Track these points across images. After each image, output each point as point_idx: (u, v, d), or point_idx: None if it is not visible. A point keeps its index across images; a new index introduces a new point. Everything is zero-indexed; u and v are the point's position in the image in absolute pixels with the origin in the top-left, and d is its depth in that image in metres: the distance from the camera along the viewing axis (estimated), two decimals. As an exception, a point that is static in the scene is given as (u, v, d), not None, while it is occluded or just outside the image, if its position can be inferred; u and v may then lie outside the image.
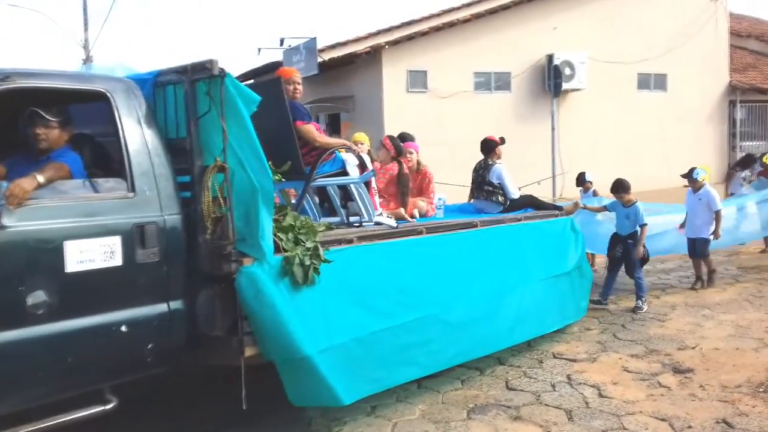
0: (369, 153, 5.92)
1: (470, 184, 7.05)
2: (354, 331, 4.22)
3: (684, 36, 17.15)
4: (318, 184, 5.03)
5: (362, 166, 5.14)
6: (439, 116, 14.82)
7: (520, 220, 6.18)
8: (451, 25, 15.16)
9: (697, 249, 7.87)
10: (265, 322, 3.73)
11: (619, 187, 7.41)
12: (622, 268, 7.51)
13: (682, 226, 8.10)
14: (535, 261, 6.07)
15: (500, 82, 15.87)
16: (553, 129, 14.61)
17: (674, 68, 17.34)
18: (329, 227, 4.68)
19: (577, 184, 9.38)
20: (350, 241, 4.43)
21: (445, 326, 4.87)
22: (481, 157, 6.99)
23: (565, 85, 15.43)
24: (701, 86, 17.82)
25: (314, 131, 4.94)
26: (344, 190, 5.07)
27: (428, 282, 4.84)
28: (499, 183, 6.71)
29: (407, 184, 6.00)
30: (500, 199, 6.69)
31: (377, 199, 5.36)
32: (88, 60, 23.59)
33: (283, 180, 4.37)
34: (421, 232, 5.02)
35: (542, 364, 5.56)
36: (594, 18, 16.42)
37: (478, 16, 15.37)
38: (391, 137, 6.13)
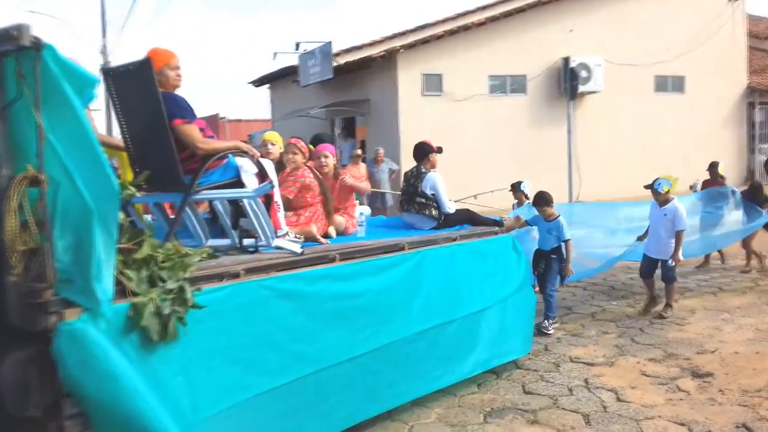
0: (284, 158, 4.90)
1: (400, 194, 6.09)
2: (233, 395, 3.18)
3: (701, 38, 16.95)
4: (201, 197, 3.95)
5: (262, 175, 4.11)
6: (453, 119, 14.65)
7: (455, 239, 5.25)
8: (466, 28, 15.03)
9: (663, 273, 7.05)
10: (100, 400, 2.64)
11: (540, 200, 6.66)
12: None
13: (642, 238, 7.28)
14: (470, 289, 5.16)
15: (515, 85, 15.69)
16: (569, 132, 14.09)
17: (692, 70, 17.10)
18: (212, 255, 3.62)
19: (514, 195, 8.52)
20: (236, 276, 3.38)
21: (351, 380, 3.92)
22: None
23: (581, 88, 15.11)
24: (719, 88, 17.59)
25: (195, 133, 3.86)
26: (237, 205, 4.02)
27: (335, 325, 3.86)
28: (433, 194, 5.77)
29: (328, 195, 4.99)
30: (434, 213, 5.75)
31: (282, 216, 4.32)
32: (106, 65, 23.34)
33: (137, 194, 3.26)
34: (333, 260, 4.01)
35: (559, 368, 5.47)
36: (610, 20, 16.18)
37: (492, 19, 15.21)
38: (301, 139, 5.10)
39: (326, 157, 5.38)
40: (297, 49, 17.44)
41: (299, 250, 3.87)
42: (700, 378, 5.07)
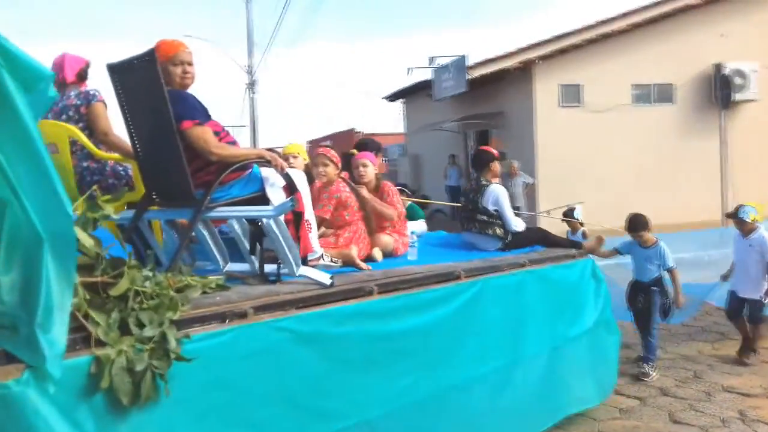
0: (309, 169, 4.27)
1: (460, 210, 5.36)
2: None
3: None
4: (215, 215, 3.34)
5: (291, 188, 3.47)
6: (593, 131, 14.10)
7: (523, 264, 4.46)
8: (607, 36, 14.48)
9: (750, 312, 6.02)
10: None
11: (637, 224, 5.74)
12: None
13: (726, 277, 6.27)
14: (540, 324, 4.37)
15: (661, 94, 14.91)
16: (721, 144, 13.05)
17: None
18: (221, 286, 2.99)
19: (568, 224, 7.60)
20: (243, 315, 2.73)
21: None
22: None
23: (735, 96, 14.10)
24: None
25: (209, 136, 3.25)
26: (258, 224, 3.39)
27: (370, 373, 3.16)
28: (496, 210, 5.01)
29: (369, 210, 4.32)
30: (499, 231, 4.98)
31: (315, 236, 3.67)
32: (251, 84, 27.17)
33: (114, 215, 2.64)
34: (370, 293, 3.30)
35: (711, 397, 5.12)
36: (766, 23, 14.99)
37: (636, 26, 14.56)
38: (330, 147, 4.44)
39: (365, 166, 4.71)
40: (431, 63, 17.65)
41: (328, 281, 3.18)
42: None
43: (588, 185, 13.34)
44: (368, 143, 5.61)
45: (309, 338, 2.91)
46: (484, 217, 5.01)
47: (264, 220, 3.18)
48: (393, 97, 21.82)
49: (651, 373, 5.55)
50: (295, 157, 4.56)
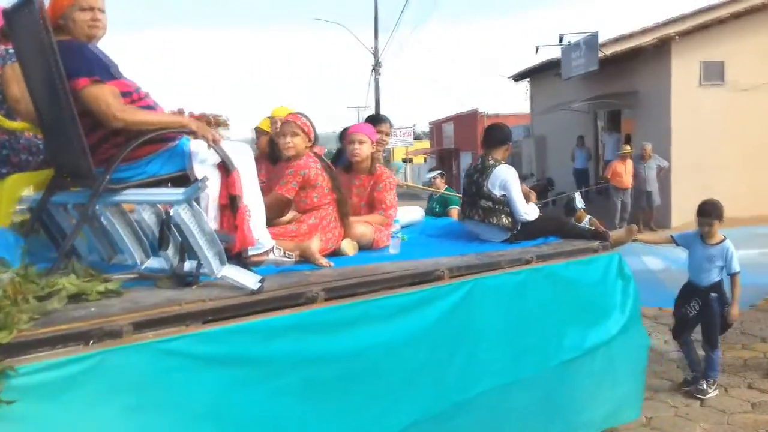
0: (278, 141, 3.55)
1: (461, 196, 4.58)
2: None
3: None
4: (121, 198, 2.65)
5: (227, 167, 2.76)
6: (737, 111, 13.05)
7: (529, 261, 3.67)
8: (755, 9, 13.30)
9: None
10: None
11: (713, 210, 4.79)
12: None
13: None
14: (549, 333, 3.60)
15: None
16: None
17: None
18: (111, 291, 2.31)
19: (566, 214, 6.72)
20: (117, 335, 2.03)
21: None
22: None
23: None
24: None
25: (109, 97, 2.54)
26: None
27: (311, 405, 2.44)
28: (503, 195, 4.22)
29: (343, 196, 3.59)
30: (505, 221, 4.20)
31: (260, 226, 2.96)
32: (377, 65, 27.92)
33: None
34: (313, 300, 2.58)
35: None
36: None
37: None
38: (302, 114, 3.66)
39: (361, 142, 3.94)
40: (560, 41, 16.86)
41: (254, 285, 2.47)
42: None
43: (732, 170, 12.50)
44: (383, 118, 4.81)
45: (218, 363, 2.21)
46: (489, 204, 4.21)
47: (177, 205, 2.47)
48: (519, 77, 20.97)
49: (709, 391, 4.76)
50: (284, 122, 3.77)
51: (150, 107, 2.77)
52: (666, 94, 13.30)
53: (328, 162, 3.57)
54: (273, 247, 3.07)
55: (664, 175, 12.42)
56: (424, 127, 48.20)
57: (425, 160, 44.26)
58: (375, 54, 28.58)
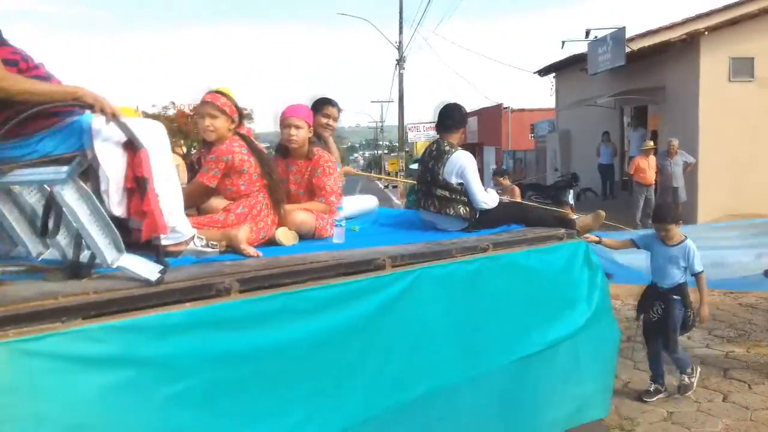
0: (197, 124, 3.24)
1: (417, 185, 4.29)
2: None
3: None
4: (6, 180, 2.34)
5: (135, 146, 2.45)
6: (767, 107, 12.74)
7: (486, 249, 3.39)
8: None
9: None
10: None
11: (666, 214, 4.65)
12: None
13: None
14: (507, 327, 3.32)
15: None
16: None
17: None
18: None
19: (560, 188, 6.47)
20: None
21: None
22: None
23: None
24: None
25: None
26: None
27: (220, 414, 2.13)
28: (461, 184, 3.93)
29: (276, 178, 3.29)
30: (463, 211, 3.91)
31: (176, 212, 2.65)
32: (401, 60, 27.96)
33: None
34: (225, 291, 2.27)
35: None
36: None
37: None
38: (221, 92, 3.32)
39: (297, 127, 3.64)
40: (587, 36, 16.82)
41: (153, 276, 2.17)
42: None
43: (758, 168, 12.24)
44: (329, 101, 4.50)
45: (100, 365, 1.90)
46: (445, 193, 3.93)
47: (59, 188, 2.16)
48: (544, 72, 20.80)
49: (692, 382, 4.67)
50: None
51: (42, 78, 2.46)
52: (694, 90, 13.07)
53: (257, 144, 3.26)
54: (194, 236, 2.77)
55: (690, 172, 12.17)
56: (447, 122, 48.34)
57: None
58: (399, 49, 29.28)
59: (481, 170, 26.99)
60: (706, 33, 12.84)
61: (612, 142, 16.31)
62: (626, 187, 14.52)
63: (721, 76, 12.99)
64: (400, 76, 30.37)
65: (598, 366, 3.97)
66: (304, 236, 3.37)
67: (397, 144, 37.84)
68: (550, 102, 22.36)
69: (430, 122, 34.45)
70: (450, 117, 4.13)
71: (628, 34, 14.87)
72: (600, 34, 15.95)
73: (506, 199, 7.06)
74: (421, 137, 35.26)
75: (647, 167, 11.99)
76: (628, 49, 14.41)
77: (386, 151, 63.75)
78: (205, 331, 2.15)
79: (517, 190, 7.57)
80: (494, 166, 23.29)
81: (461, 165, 3.93)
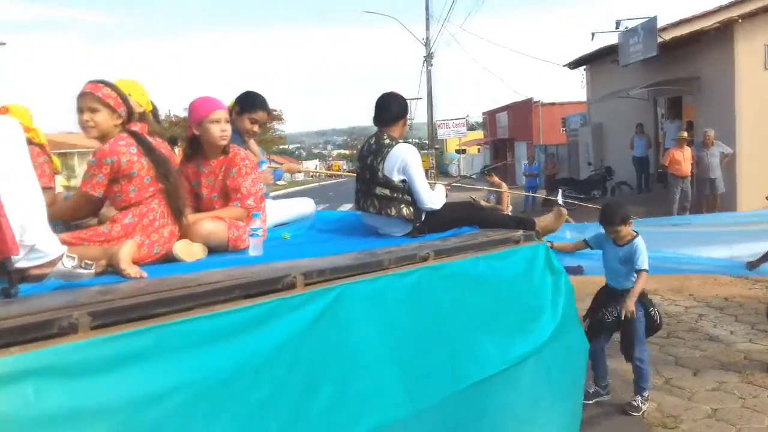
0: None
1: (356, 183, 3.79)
2: None
3: None
4: None
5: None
6: None
7: (426, 258, 2.91)
8: None
9: None
10: None
11: (614, 215, 4.27)
12: None
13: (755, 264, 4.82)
14: (457, 348, 2.84)
15: None
16: None
17: None
18: None
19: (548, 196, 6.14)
20: None
21: None
22: None
23: None
24: None
25: None
26: None
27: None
28: (403, 181, 3.45)
29: (175, 184, 2.77)
30: (406, 212, 3.43)
31: (36, 227, 2.14)
32: (428, 56, 27.10)
33: None
34: (71, 329, 1.76)
35: None
36: None
37: None
38: (105, 82, 2.80)
39: (227, 121, 3.13)
40: (617, 27, 16.52)
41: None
42: None
43: None
44: (259, 104, 3.97)
45: None
46: (386, 192, 3.45)
47: None
48: (574, 64, 20.40)
49: (642, 407, 4.25)
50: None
51: None
52: (729, 79, 12.79)
53: (152, 142, 2.74)
54: (63, 256, 2.26)
55: (728, 162, 11.87)
56: (477, 118, 48.32)
57: (479, 151, 43.70)
58: (426, 45, 29.09)
59: (513, 166, 26.57)
60: (740, 21, 12.56)
61: (646, 134, 16.05)
62: (662, 179, 14.24)
63: (757, 65, 12.77)
64: (428, 72, 30.12)
65: (568, 382, 3.52)
66: (215, 249, 2.87)
67: (426, 141, 37.20)
68: (581, 95, 22.10)
69: (460, 118, 33.99)
70: (387, 109, 3.64)
71: (660, 24, 14.61)
72: (631, 24, 15.68)
73: (490, 199, 6.59)
74: (451, 134, 34.86)
75: (682, 159, 11.69)
76: (660, 39, 14.11)
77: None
78: (37, 382, 1.64)
79: (505, 187, 7.11)
80: (526, 162, 22.84)
81: (403, 159, 3.45)
